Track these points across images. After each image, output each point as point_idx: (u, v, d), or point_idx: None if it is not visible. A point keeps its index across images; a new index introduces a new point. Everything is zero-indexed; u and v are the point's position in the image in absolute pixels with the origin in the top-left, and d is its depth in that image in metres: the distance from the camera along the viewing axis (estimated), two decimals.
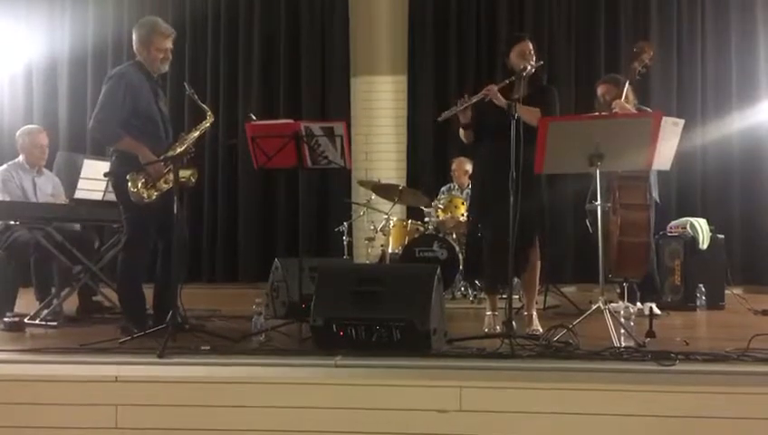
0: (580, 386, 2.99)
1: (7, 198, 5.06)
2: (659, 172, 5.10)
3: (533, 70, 4.03)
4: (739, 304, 5.54)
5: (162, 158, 4.03)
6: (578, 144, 3.74)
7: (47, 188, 5.34)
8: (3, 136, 7.98)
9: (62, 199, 5.34)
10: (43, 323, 4.61)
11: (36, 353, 3.54)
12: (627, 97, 4.92)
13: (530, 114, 3.95)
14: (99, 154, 6.08)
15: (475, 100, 4.07)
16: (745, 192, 7.35)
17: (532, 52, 4.14)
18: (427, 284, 3.50)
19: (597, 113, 5.09)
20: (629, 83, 4.97)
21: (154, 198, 4.04)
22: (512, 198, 3.69)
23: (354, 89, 7.96)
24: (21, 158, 5.35)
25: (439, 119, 4.21)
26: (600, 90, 5.31)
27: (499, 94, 4.01)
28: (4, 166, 5.29)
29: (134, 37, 4.24)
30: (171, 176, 3.93)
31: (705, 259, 5.62)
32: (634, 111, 4.97)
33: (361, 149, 7.91)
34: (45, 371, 3.28)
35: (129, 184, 3.98)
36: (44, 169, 5.41)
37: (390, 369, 3.19)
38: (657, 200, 5.23)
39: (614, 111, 4.84)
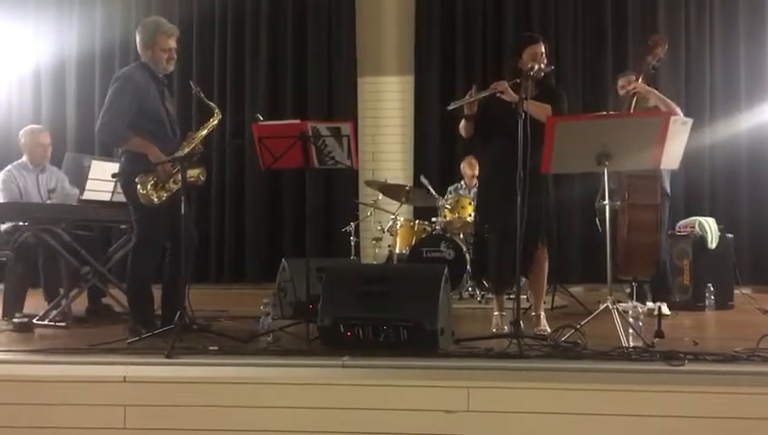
0: (588, 386, 2.98)
1: (5, 199, 5.07)
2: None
3: (542, 73, 4.01)
4: (748, 304, 5.50)
5: (172, 157, 4.03)
6: (585, 143, 3.73)
7: (51, 183, 5.36)
8: (11, 137, 8.00)
9: (73, 193, 5.35)
10: (52, 323, 4.63)
11: (45, 354, 3.55)
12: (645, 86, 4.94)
13: (540, 109, 3.93)
14: (107, 155, 6.10)
15: (485, 94, 4.06)
16: (754, 191, 7.32)
17: (545, 54, 4.12)
18: (434, 284, 3.49)
19: (610, 110, 5.08)
20: (643, 76, 4.95)
21: (164, 198, 4.05)
22: (519, 198, 3.68)
23: (361, 89, 7.97)
24: (24, 158, 5.37)
25: (449, 107, 4.20)
26: (620, 82, 5.28)
27: (510, 89, 4.00)
28: (8, 167, 5.31)
29: (138, 39, 4.24)
30: (180, 175, 3.94)
31: (713, 259, 5.59)
32: (659, 95, 4.95)
33: (368, 149, 7.91)
34: (54, 371, 3.29)
35: (139, 186, 3.99)
36: (48, 166, 5.43)
37: (398, 369, 3.19)
38: (669, 193, 5.19)
39: (633, 93, 4.85)
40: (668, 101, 5.00)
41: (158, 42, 4.18)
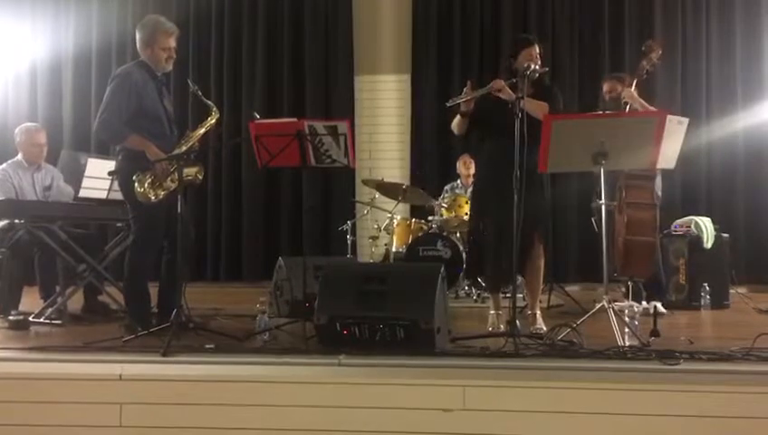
0: (584, 385, 2.98)
1: (1, 197, 5.07)
2: (664, 172, 5.10)
3: (537, 74, 4.02)
4: (744, 303, 5.52)
5: (170, 155, 4.03)
6: (582, 143, 3.73)
7: (46, 181, 5.35)
8: (7, 134, 7.99)
9: (67, 190, 5.34)
10: (48, 321, 4.63)
11: (40, 352, 3.55)
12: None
13: (537, 107, 3.96)
14: (103, 153, 6.09)
15: (483, 91, 4.08)
16: (750, 191, 7.34)
17: (539, 56, 4.14)
18: (430, 282, 3.50)
19: (600, 112, 5.10)
20: (637, 81, 4.97)
21: (161, 196, 4.04)
22: (515, 197, 3.69)
23: (358, 88, 7.96)
24: (20, 156, 5.36)
25: (447, 104, 4.23)
26: (605, 87, 5.31)
27: (507, 87, 4.01)
28: (3, 165, 5.30)
29: (137, 37, 4.24)
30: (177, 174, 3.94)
31: (709, 258, 5.60)
32: (643, 103, 4.97)
33: (365, 147, 7.91)
34: (49, 369, 3.29)
35: (136, 184, 3.98)
36: (43, 163, 5.42)
37: (394, 368, 3.19)
38: (659, 196, 5.22)
39: (624, 101, 4.87)
40: (653, 110, 5.03)
41: (157, 40, 4.17)
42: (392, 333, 3.40)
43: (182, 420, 3.10)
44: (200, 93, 4.30)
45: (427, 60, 7.87)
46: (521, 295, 4.53)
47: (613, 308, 3.68)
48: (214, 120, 4.34)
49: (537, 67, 4.03)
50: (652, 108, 5.03)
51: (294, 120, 4.13)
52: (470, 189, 6.50)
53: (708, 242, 5.62)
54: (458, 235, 6.34)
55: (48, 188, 5.34)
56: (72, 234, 4.96)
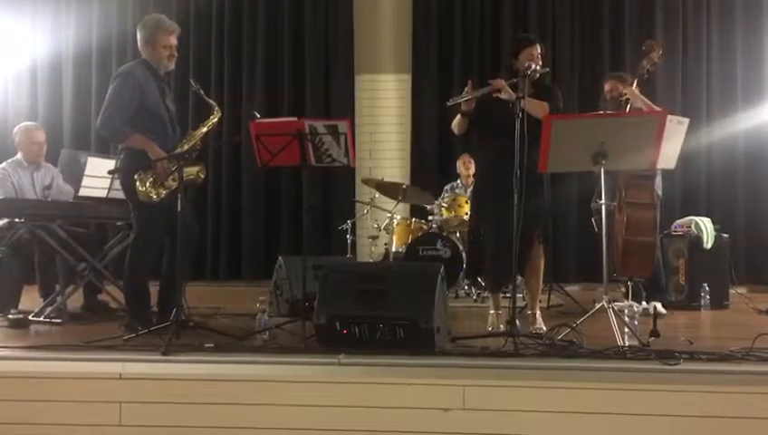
0: (583, 385, 2.99)
1: (1, 196, 5.06)
2: (664, 172, 5.10)
3: (538, 75, 4.02)
4: (743, 304, 5.52)
5: (171, 154, 4.03)
6: (582, 142, 3.74)
7: (46, 180, 5.35)
8: (7, 133, 7.98)
9: (66, 189, 5.33)
10: (48, 320, 4.62)
11: (40, 350, 3.55)
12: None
13: (537, 106, 3.96)
14: (104, 152, 6.09)
15: (483, 91, 4.08)
16: (750, 191, 7.34)
17: (540, 55, 4.14)
18: (430, 282, 3.50)
19: (601, 111, 5.10)
20: (637, 81, 4.98)
21: (163, 196, 4.04)
22: (516, 197, 3.69)
23: (358, 87, 7.95)
24: (19, 155, 5.35)
25: (448, 103, 4.23)
26: (606, 86, 5.31)
27: (507, 87, 4.01)
28: (2, 164, 5.30)
29: (138, 36, 4.24)
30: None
31: (709, 258, 5.60)
32: (645, 100, 4.97)
33: (365, 147, 7.89)
34: (49, 368, 3.29)
35: (138, 183, 3.99)
36: (43, 163, 5.41)
37: (394, 367, 3.20)
38: (660, 195, 5.22)
39: (625, 99, 4.87)
40: (656, 108, 5.03)
41: (158, 38, 4.17)
42: (392, 332, 3.40)
43: (182, 419, 3.10)
44: (202, 92, 4.30)
45: (427, 60, 7.86)
46: (521, 295, 4.53)
47: (613, 308, 3.67)
48: (216, 119, 4.34)
49: (538, 67, 4.03)
50: (655, 106, 5.03)
51: (294, 119, 4.13)
52: (470, 189, 6.51)
53: (708, 242, 5.62)
54: (458, 235, 6.34)
55: (48, 187, 5.33)
56: (71, 233, 4.96)
